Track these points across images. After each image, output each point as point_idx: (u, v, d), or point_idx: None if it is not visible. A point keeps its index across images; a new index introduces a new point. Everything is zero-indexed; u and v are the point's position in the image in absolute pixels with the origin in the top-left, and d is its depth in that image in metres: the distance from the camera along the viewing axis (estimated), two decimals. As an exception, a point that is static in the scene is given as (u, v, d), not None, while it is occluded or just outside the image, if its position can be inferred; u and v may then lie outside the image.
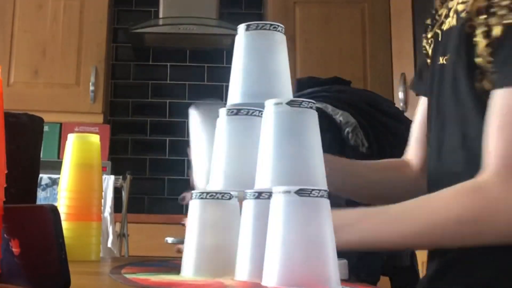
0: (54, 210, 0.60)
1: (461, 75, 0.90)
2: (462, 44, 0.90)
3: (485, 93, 0.86)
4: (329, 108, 1.40)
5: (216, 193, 0.76)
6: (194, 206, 0.77)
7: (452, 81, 0.93)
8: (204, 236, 0.76)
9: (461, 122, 0.92)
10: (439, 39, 1.02)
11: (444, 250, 0.95)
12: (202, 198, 0.77)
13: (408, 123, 1.48)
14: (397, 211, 0.86)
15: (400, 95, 2.97)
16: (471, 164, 0.87)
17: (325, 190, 0.67)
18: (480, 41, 0.86)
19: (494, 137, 0.80)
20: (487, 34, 0.86)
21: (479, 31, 0.87)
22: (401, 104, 2.93)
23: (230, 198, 0.77)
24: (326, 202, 0.67)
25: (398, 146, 1.37)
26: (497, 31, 0.84)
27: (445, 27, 1.00)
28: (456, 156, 0.93)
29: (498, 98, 0.82)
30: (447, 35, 0.98)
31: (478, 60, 0.86)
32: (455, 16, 0.95)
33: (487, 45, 0.85)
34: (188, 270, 0.77)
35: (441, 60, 0.98)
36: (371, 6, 3.18)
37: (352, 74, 2.97)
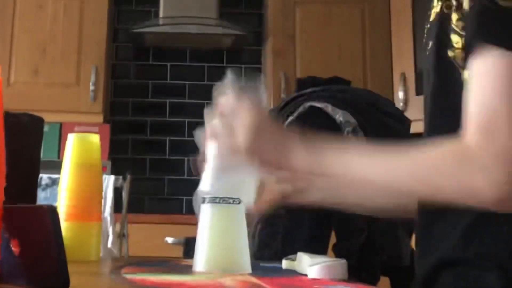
0: (53, 211, 0.60)
1: (440, 56, 0.92)
2: (440, 26, 0.92)
3: (460, 69, 0.87)
4: (330, 108, 1.40)
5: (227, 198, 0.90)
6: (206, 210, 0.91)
7: (434, 65, 0.95)
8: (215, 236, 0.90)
9: (441, 102, 0.94)
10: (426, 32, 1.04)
11: (434, 248, 0.95)
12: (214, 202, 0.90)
13: (408, 123, 1.49)
14: (389, 150, 0.88)
15: (400, 95, 2.97)
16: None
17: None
18: (454, 15, 0.88)
19: (469, 103, 0.83)
20: (457, 8, 0.87)
21: (454, 7, 0.89)
22: (401, 104, 2.93)
23: (239, 203, 0.90)
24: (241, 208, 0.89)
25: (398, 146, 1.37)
26: (465, 4, 0.86)
27: (430, 18, 1.02)
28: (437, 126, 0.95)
29: (472, 68, 0.84)
30: (431, 26, 1.00)
31: (453, 36, 0.88)
32: (439, 3, 0.97)
33: (459, 19, 0.87)
34: (200, 265, 0.88)
35: (427, 52, 1.00)
36: (371, 6, 3.18)
37: (352, 74, 2.97)
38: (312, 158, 0.89)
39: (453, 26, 0.88)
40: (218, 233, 0.89)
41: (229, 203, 0.88)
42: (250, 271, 0.88)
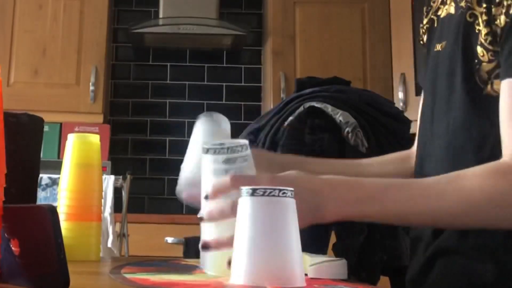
0: (52, 210, 0.60)
1: (458, 64, 0.91)
2: (462, 33, 0.91)
3: (481, 82, 0.87)
4: (329, 108, 1.40)
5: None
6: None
7: (448, 69, 0.94)
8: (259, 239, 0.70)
9: (450, 109, 0.93)
10: (435, 25, 1.03)
11: (426, 244, 0.95)
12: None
13: (408, 123, 1.49)
14: (427, 186, 0.83)
15: (400, 95, 2.97)
16: (451, 150, 0.90)
17: (291, 190, 0.70)
18: (482, 29, 0.87)
19: (506, 126, 0.82)
20: (488, 23, 0.87)
21: (480, 20, 0.88)
22: (401, 104, 2.93)
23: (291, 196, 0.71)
24: (292, 202, 0.70)
25: (398, 146, 1.37)
26: (500, 21, 0.85)
27: (441, 13, 1.01)
28: (440, 143, 0.95)
29: (507, 88, 0.83)
30: (444, 23, 0.99)
31: (479, 49, 0.88)
32: (452, 4, 0.96)
33: (487, 34, 0.87)
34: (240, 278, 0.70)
35: (437, 47, 0.99)
36: (371, 6, 3.18)
37: (352, 74, 2.97)
38: (350, 209, 0.82)
39: (482, 40, 0.87)
40: (263, 237, 0.69)
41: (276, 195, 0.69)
42: (303, 284, 0.70)
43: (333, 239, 1.34)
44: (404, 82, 2.97)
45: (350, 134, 1.37)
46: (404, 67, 3.01)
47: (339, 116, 1.38)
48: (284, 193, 0.70)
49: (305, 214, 0.78)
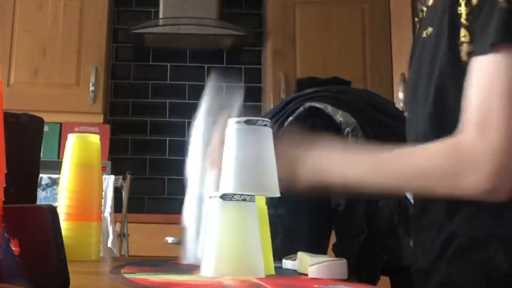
0: (52, 210, 0.60)
1: (443, 46, 0.92)
2: (446, 16, 0.92)
3: (463, 63, 0.89)
4: (329, 108, 1.40)
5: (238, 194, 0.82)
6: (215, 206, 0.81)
7: (432, 53, 0.95)
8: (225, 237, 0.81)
9: (436, 92, 0.94)
10: (424, 15, 1.05)
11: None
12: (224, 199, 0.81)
13: (408, 123, 1.49)
14: (384, 156, 0.94)
15: (400, 95, 2.97)
16: (440, 130, 0.92)
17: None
18: (463, 10, 0.89)
19: (470, 100, 0.85)
20: (467, 3, 0.88)
21: (462, 1, 0.89)
22: (401, 104, 2.92)
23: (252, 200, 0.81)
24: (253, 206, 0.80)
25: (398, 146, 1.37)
26: (474, 0, 0.87)
27: (429, 2, 1.03)
28: (426, 125, 0.97)
29: (475, 65, 0.85)
30: (430, 10, 1.01)
31: (462, 31, 0.89)
32: None
33: (468, 14, 0.88)
34: (208, 270, 0.80)
35: (423, 34, 1.00)
36: (371, 6, 3.18)
37: (352, 74, 2.97)
38: (316, 173, 0.96)
39: (463, 21, 0.88)
40: (230, 235, 0.80)
41: (243, 200, 0.80)
42: (263, 275, 0.80)
43: (333, 239, 1.34)
44: (404, 82, 2.97)
45: (350, 135, 1.37)
46: (404, 67, 3.01)
47: (339, 116, 1.38)
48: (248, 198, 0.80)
49: (287, 179, 0.94)
